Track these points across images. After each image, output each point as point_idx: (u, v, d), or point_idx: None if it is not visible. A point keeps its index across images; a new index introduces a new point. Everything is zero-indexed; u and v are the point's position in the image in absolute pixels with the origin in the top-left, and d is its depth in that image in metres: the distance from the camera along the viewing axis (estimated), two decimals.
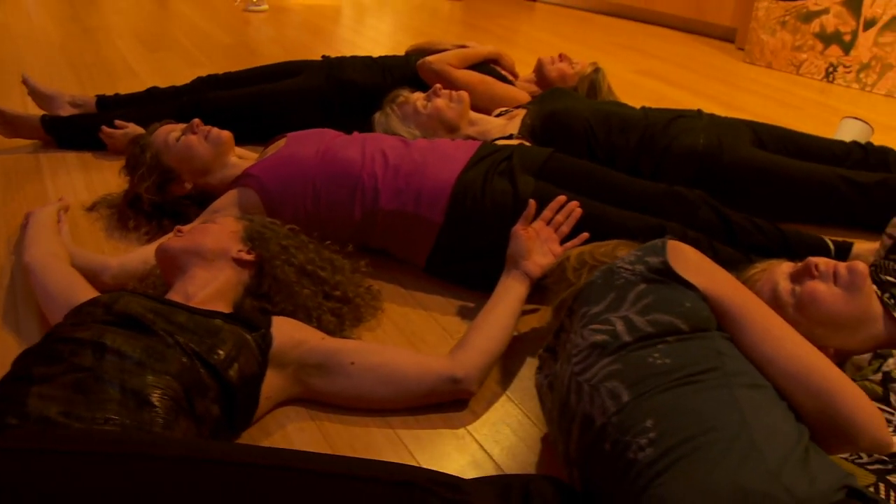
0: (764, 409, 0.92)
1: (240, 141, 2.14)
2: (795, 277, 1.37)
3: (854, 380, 1.28)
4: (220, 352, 1.15)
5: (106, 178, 2.22)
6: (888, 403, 1.20)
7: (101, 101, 2.53)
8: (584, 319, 1.06)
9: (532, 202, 1.51)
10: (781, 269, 1.40)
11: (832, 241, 1.76)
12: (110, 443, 0.83)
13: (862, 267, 1.32)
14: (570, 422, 1.01)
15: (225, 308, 1.34)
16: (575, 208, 1.55)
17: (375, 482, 0.75)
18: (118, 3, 4.69)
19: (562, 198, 1.56)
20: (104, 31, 3.94)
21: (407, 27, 4.41)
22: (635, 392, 0.93)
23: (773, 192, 1.95)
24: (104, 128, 2.32)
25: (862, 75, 3.29)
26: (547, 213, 1.55)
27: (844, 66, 3.33)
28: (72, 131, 2.38)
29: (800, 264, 1.38)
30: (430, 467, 1.17)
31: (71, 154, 2.38)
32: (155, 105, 2.43)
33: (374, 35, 4.14)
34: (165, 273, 1.45)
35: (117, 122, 2.33)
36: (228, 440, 1.17)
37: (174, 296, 1.34)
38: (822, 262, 1.35)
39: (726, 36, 4.12)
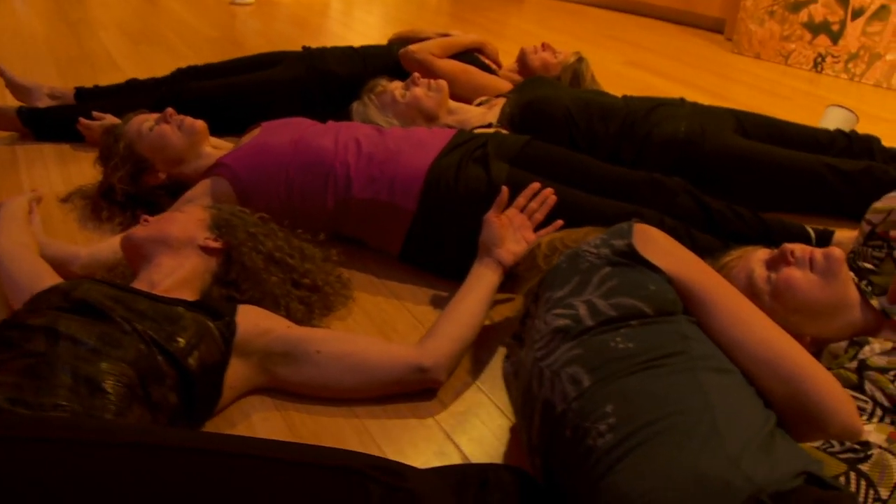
0: (729, 394, 0.90)
1: (220, 132, 2.12)
2: (771, 264, 1.35)
3: (830, 368, 1.26)
4: (180, 339, 1.13)
5: (83, 169, 2.19)
6: (862, 391, 1.17)
7: (80, 92, 2.50)
8: (548, 304, 1.04)
9: (504, 189, 1.49)
10: (757, 256, 1.38)
11: (813, 229, 1.74)
12: (62, 428, 0.80)
13: (838, 253, 1.30)
14: (532, 409, 0.98)
15: (191, 296, 1.32)
16: (549, 195, 1.53)
17: (313, 467, 0.73)
18: None
19: (536, 185, 1.54)
20: (87, 25, 3.91)
21: (395, 20, 4.38)
22: (596, 377, 0.90)
23: (755, 179, 1.93)
24: (82, 119, 2.29)
25: (850, 65, 3.26)
26: (520, 200, 1.52)
27: (833, 56, 3.31)
28: (49, 123, 2.35)
29: (775, 251, 1.36)
30: (395, 458, 1.15)
31: (48, 146, 2.35)
32: (134, 96, 2.40)
33: (362, 28, 4.11)
34: (131, 262, 1.43)
35: (95, 113, 2.30)
36: (188, 429, 1.14)
37: (139, 284, 1.32)
38: (797, 248, 1.33)
39: (716, 27, 4.09)
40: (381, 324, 1.50)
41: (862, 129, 2.23)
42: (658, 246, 1.05)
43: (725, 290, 1.03)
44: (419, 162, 1.62)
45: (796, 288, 1.29)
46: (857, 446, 1.11)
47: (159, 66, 3.13)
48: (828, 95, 3.05)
